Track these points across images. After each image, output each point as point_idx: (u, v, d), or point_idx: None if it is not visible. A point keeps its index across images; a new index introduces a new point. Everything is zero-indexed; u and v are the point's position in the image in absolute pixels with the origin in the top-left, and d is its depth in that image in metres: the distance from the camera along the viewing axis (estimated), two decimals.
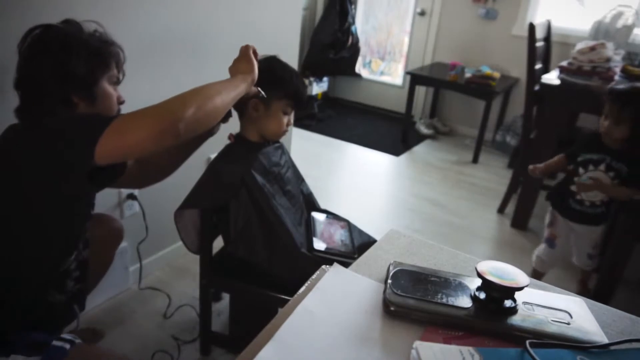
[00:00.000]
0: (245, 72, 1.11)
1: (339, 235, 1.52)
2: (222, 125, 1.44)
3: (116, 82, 1.14)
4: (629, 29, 2.82)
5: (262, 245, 1.36)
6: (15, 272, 1.03)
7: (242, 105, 1.38)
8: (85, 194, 1.09)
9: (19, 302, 1.05)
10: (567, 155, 1.86)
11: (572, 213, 1.85)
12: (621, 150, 1.70)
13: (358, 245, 1.50)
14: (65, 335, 1.04)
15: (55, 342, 1.01)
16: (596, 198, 1.78)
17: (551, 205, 1.95)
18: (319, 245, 1.43)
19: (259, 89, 1.25)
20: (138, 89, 1.58)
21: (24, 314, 1.07)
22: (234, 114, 1.42)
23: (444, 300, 0.68)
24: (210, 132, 1.32)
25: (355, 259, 1.42)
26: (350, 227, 1.59)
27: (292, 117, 1.42)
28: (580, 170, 1.77)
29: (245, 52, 1.14)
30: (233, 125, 1.45)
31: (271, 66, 1.36)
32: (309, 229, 1.50)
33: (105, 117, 0.97)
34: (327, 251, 1.42)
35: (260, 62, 1.35)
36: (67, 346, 1.01)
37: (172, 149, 1.30)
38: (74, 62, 1.01)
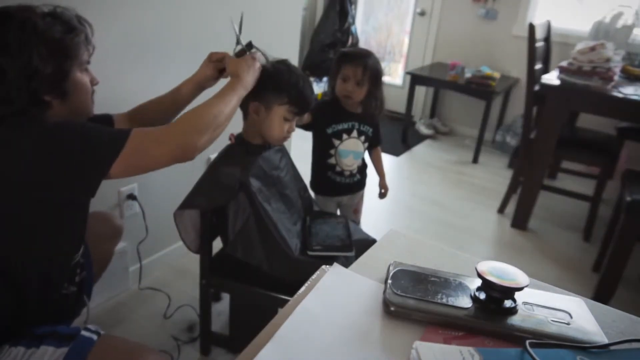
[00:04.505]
0: (243, 75, 1.19)
1: (335, 231, 1.52)
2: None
3: (87, 63, 1.05)
4: (629, 29, 2.83)
5: (260, 248, 1.36)
6: (38, 272, 1.03)
7: (245, 107, 1.37)
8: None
9: (41, 298, 1.05)
10: (316, 130, 1.79)
11: (337, 188, 1.84)
12: (361, 114, 1.74)
13: (355, 240, 1.49)
14: (90, 326, 1.04)
15: (84, 333, 1.02)
16: (353, 167, 1.81)
17: (317, 195, 1.86)
18: (314, 248, 1.42)
19: (265, 56, 1.30)
20: (136, 86, 1.59)
21: (46, 309, 1.07)
22: (237, 114, 1.42)
23: (444, 301, 0.68)
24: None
25: (352, 252, 1.43)
26: (347, 223, 1.58)
27: (294, 123, 1.38)
28: (335, 141, 1.75)
29: (252, 59, 1.23)
30: (234, 125, 1.45)
31: (277, 70, 1.32)
32: (305, 232, 1.49)
33: (118, 135, 0.95)
34: (323, 250, 1.42)
35: (270, 65, 1.33)
36: (95, 337, 1.02)
37: (167, 103, 1.32)
38: (36, 62, 0.91)
